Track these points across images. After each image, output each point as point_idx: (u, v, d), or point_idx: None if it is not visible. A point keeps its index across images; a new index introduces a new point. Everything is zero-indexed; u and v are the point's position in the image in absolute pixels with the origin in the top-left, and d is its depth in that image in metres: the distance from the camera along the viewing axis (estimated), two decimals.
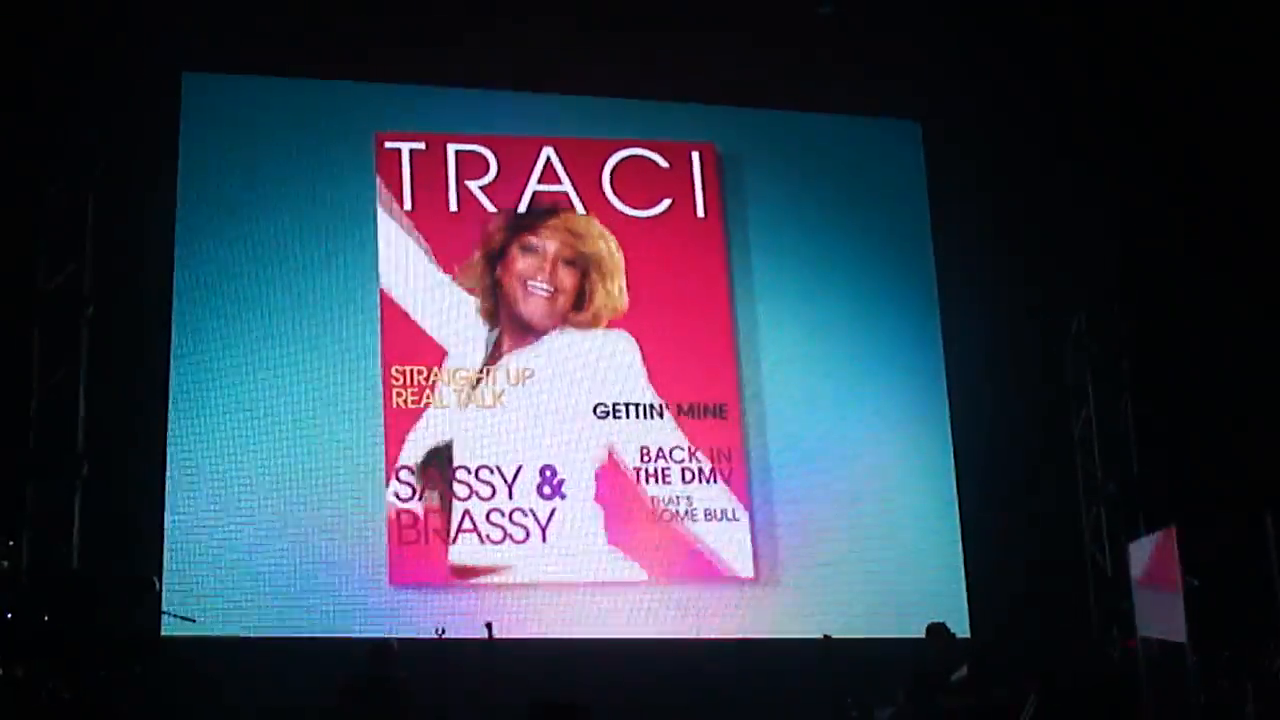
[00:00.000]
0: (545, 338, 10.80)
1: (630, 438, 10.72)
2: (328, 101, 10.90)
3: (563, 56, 10.93)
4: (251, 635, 9.79)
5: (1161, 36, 10.52)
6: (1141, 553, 10.56)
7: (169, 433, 10.03)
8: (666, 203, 11.25)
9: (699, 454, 10.77)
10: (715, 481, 10.74)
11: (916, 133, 11.83)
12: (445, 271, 10.74)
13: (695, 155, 11.33)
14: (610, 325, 10.90)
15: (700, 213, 11.26)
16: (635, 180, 11.22)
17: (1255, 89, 10.40)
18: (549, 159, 11.11)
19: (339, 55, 10.71)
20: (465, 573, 10.31)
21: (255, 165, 10.63)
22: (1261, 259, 10.68)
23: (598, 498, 10.58)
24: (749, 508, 10.76)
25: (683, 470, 10.71)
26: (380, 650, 8.72)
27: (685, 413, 10.82)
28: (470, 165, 10.98)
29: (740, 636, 10.49)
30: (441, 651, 8.89)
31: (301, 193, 10.67)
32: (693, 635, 10.44)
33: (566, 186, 11.10)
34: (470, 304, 10.73)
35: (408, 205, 10.80)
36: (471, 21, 10.63)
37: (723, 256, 11.24)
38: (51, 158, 10.22)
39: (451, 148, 10.97)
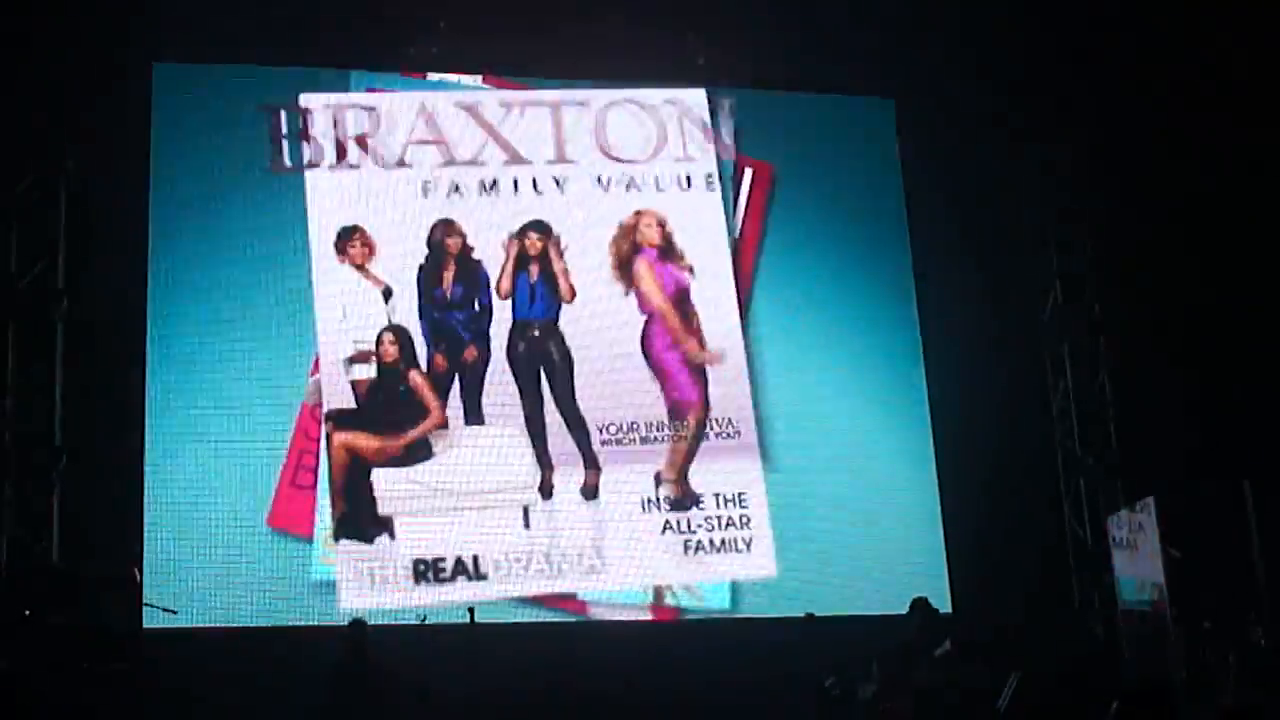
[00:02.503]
0: None
1: None
2: (303, 88, 10.82)
3: (541, 43, 10.94)
4: (233, 626, 9.76)
5: (1134, 15, 10.52)
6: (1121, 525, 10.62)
7: (147, 425, 9.99)
8: None
9: None
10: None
11: (890, 109, 11.81)
12: None
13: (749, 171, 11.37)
14: None
15: None
16: None
17: (1226, 69, 10.41)
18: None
19: (317, 42, 10.67)
20: None
21: (228, 154, 10.57)
22: (1235, 233, 10.71)
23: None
24: None
25: None
26: (355, 634, 8.78)
27: None
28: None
29: (723, 616, 10.50)
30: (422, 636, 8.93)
31: (275, 180, 10.62)
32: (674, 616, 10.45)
33: None
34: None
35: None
36: (454, 8, 10.65)
37: None
38: (22, 152, 10.16)
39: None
